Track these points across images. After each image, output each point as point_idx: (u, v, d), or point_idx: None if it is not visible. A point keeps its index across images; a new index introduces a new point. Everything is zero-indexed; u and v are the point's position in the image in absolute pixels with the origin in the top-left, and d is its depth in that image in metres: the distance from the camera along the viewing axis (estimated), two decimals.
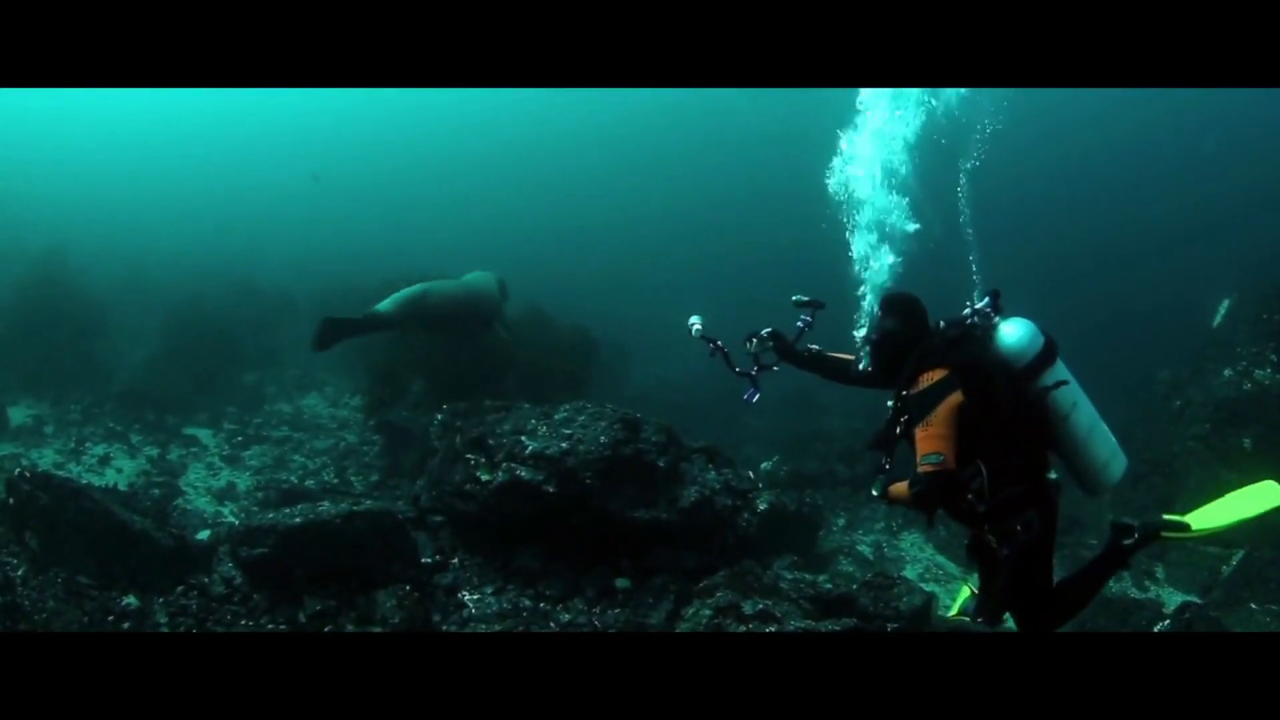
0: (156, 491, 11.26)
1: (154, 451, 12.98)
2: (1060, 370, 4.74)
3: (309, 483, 11.91)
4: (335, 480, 12.20)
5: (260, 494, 11.50)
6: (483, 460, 7.41)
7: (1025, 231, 43.50)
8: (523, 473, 7.10)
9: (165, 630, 6.32)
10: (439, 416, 8.30)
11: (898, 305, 5.03)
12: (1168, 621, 5.58)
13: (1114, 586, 11.88)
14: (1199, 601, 10.96)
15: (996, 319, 4.73)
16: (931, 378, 4.53)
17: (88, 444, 12.84)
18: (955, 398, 4.46)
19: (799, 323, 5.56)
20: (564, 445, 7.18)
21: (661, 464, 7.50)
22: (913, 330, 4.89)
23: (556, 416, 7.62)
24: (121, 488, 10.87)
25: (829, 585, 6.80)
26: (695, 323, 5.58)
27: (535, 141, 52.22)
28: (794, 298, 5.57)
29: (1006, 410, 4.61)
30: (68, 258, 18.49)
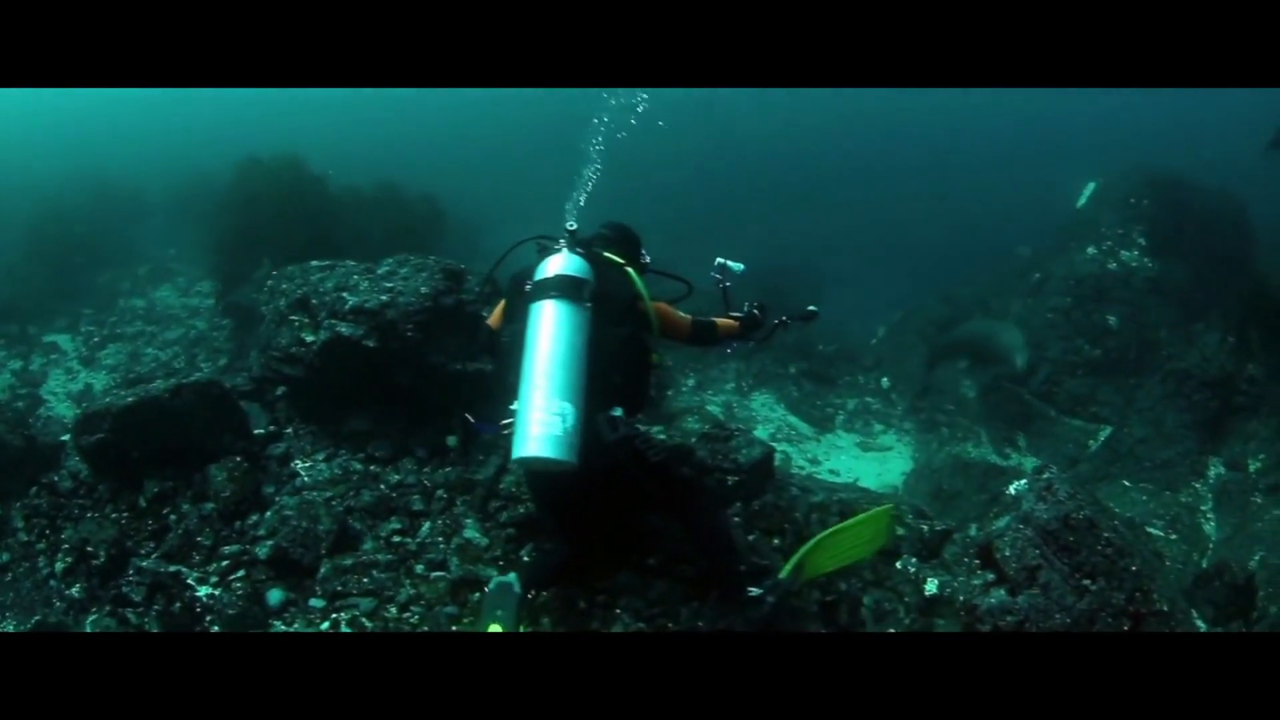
0: (20, 404, 11.30)
1: (18, 364, 12.84)
2: (526, 308, 4.95)
3: (159, 374, 11.71)
4: (185, 368, 11.96)
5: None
6: (306, 320, 7.11)
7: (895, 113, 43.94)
8: (343, 329, 6.80)
9: (23, 538, 6.28)
10: (268, 282, 7.95)
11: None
12: (1024, 482, 5.51)
13: (973, 451, 12.09)
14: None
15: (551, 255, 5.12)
16: None
17: None
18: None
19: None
20: (384, 298, 6.88)
21: (486, 315, 7.20)
22: None
23: (380, 270, 7.32)
24: None
25: (663, 436, 6.68)
26: (726, 261, 5.92)
27: None
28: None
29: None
30: None
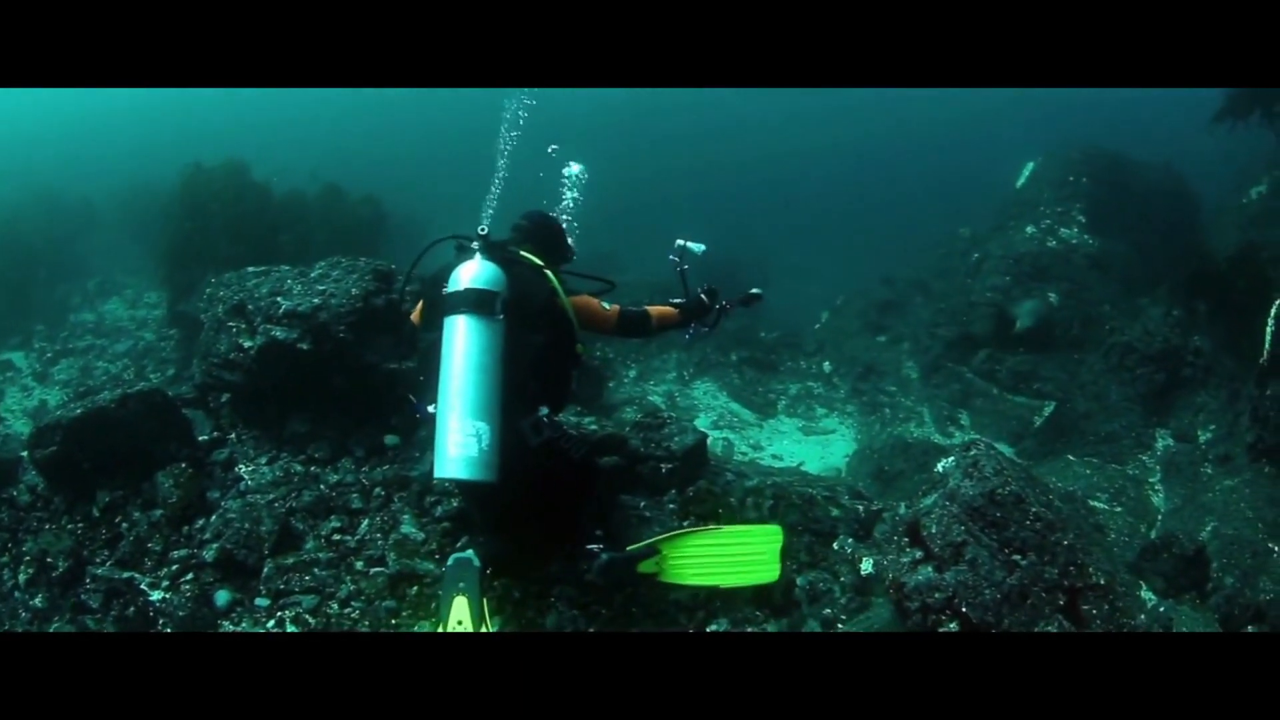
0: None
1: None
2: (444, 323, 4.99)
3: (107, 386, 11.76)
4: (133, 379, 11.97)
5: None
6: (244, 326, 7.19)
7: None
8: (277, 333, 6.90)
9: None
10: (207, 290, 8.02)
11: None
12: (951, 459, 5.53)
13: (916, 432, 12.20)
14: (1013, 450, 11.20)
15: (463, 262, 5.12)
16: None
17: None
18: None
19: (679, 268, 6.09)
20: (316, 301, 7.00)
21: (409, 310, 7.29)
22: None
23: (312, 274, 7.44)
24: None
25: (595, 426, 6.78)
26: (686, 243, 5.99)
27: None
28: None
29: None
30: None
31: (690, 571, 5.47)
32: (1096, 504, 8.83)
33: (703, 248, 5.96)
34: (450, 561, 5.38)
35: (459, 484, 5.19)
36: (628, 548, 5.41)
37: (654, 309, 5.84)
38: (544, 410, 5.09)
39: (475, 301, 4.89)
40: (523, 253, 5.42)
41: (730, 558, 5.56)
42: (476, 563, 5.23)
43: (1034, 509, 5.11)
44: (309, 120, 45.54)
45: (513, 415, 4.92)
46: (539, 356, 5.13)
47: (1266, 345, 7.84)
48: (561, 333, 5.34)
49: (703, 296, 5.99)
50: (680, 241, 5.98)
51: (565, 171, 6.18)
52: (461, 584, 5.11)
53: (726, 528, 5.71)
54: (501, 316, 4.93)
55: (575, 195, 6.15)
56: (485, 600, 5.13)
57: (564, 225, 6.02)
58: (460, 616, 4.99)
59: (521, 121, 5.98)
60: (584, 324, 5.47)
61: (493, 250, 5.19)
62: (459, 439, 4.70)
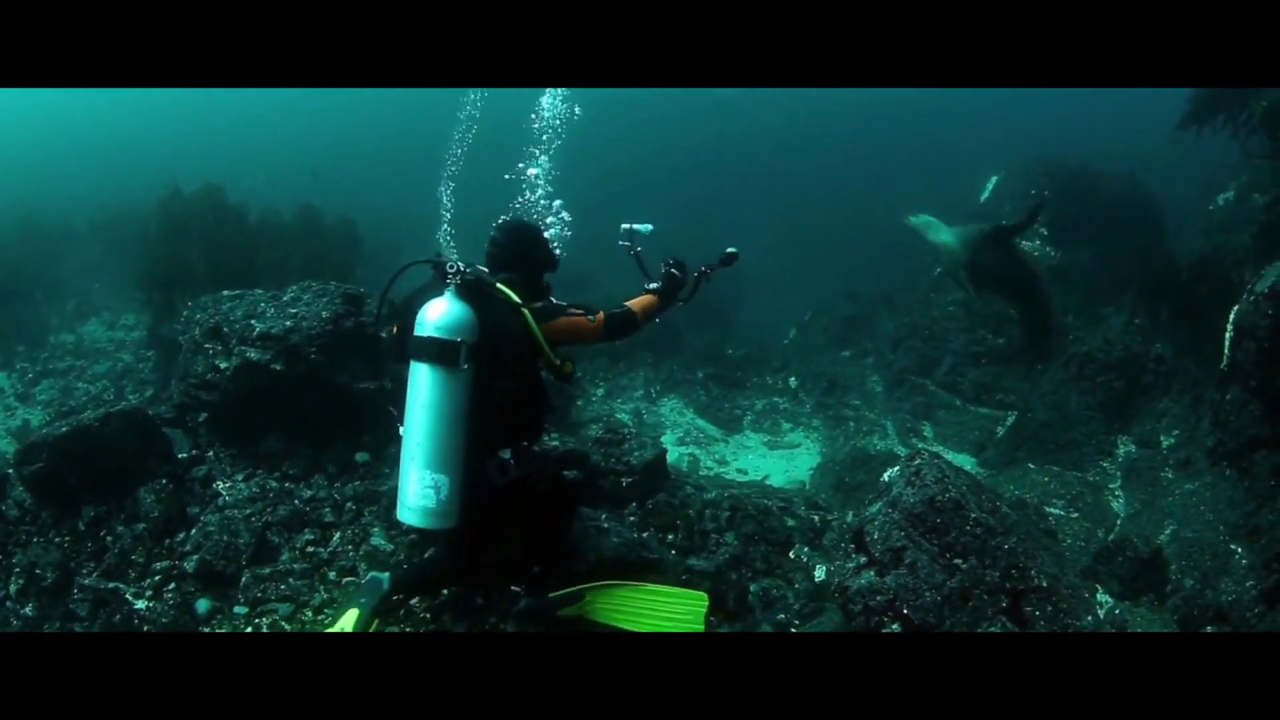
0: None
1: None
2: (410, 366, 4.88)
3: (89, 406, 11.86)
4: (113, 399, 12.11)
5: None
6: (220, 348, 7.45)
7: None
8: (251, 354, 7.20)
9: None
10: (184, 313, 8.26)
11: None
12: (896, 469, 5.66)
13: (879, 444, 12.30)
14: (974, 460, 11.33)
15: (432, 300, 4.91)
16: None
17: None
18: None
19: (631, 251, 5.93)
20: (288, 323, 7.31)
21: (385, 335, 7.50)
22: None
23: (285, 297, 7.72)
24: None
25: (556, 442, 7.02)
26: (632, 226, 5.88)
27: None
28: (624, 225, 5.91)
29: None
30: None
31: (617, 616, 5.54)
32: (1053, 510, 8.83)
33: (650, 227, 5.85)
34: (366, 578, 5.48)
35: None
36: (550, 594, 5.47)
37: (634, 303, 5.62)
38: (507, 454, 5.08)
39: (439, 354, 4.72)
40: (499, 284, 5.07)
41: (653, 614, 5.60)
42: (385, 587, 5.27)
43: (974, 514, 5.25)
44: (288, 122, 45.45)
45: (478, 458, 4.93)
46: (509, 400, 5.02)
47: (1227, 350, 7.87)
48: (535, 370, 5.21)
49: (672, 271, 5.81)
50: (626, 225, 5.86)
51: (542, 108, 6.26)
52: (363, 600, 5.21)
53: (655, 586, 5.75)
54: (466, 366, 4.76)
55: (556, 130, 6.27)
56: (376, 621, 5.24)
57: (543, 229, 5.87)
58: (345, 627, 5.09)
59: (475, 127, 6.02)
60: (570, 343, 5.28)
61: (465, 288, 4.90)
62: (417, 489, 4.73)
